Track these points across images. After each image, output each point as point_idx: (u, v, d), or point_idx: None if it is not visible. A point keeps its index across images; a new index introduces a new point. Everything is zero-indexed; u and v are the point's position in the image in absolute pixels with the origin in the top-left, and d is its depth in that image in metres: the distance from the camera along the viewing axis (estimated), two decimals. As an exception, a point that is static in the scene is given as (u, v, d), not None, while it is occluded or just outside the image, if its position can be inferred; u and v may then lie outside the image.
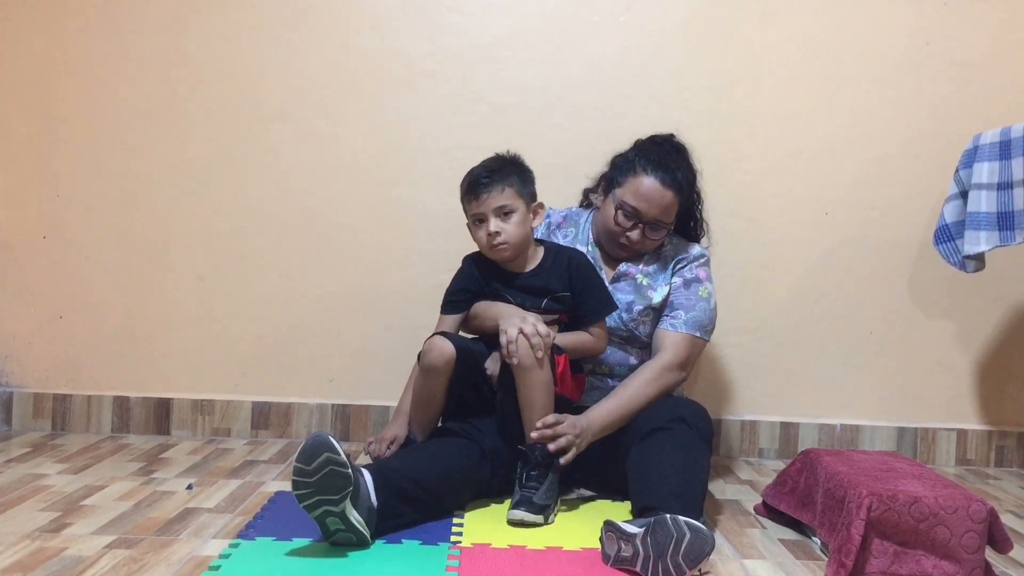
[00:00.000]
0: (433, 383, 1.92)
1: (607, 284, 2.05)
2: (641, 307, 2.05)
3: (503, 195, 1.89)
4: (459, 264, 2.06)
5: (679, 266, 2.09)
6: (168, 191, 2.50)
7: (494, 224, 1.89)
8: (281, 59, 2.48)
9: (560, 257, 1.99)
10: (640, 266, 2.10)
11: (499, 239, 1.90)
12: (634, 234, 2.04)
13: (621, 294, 2.06)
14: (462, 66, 2.48)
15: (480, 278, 2.00)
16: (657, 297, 2.06)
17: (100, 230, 2.50)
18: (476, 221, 1.93)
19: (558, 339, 1.89)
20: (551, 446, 1.78)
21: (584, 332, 1.96)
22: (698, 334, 2.05)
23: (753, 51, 2.49)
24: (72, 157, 2.50)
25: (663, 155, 2.05)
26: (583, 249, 2.10)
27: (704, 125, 2.45)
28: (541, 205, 1.98)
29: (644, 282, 2.08)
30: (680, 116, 2.43)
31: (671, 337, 2.03)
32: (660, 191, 2.00)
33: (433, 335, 1.92)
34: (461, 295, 2.02)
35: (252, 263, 2.51)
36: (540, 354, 1.79)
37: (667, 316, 2.06)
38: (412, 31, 2.48)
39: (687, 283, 2.07)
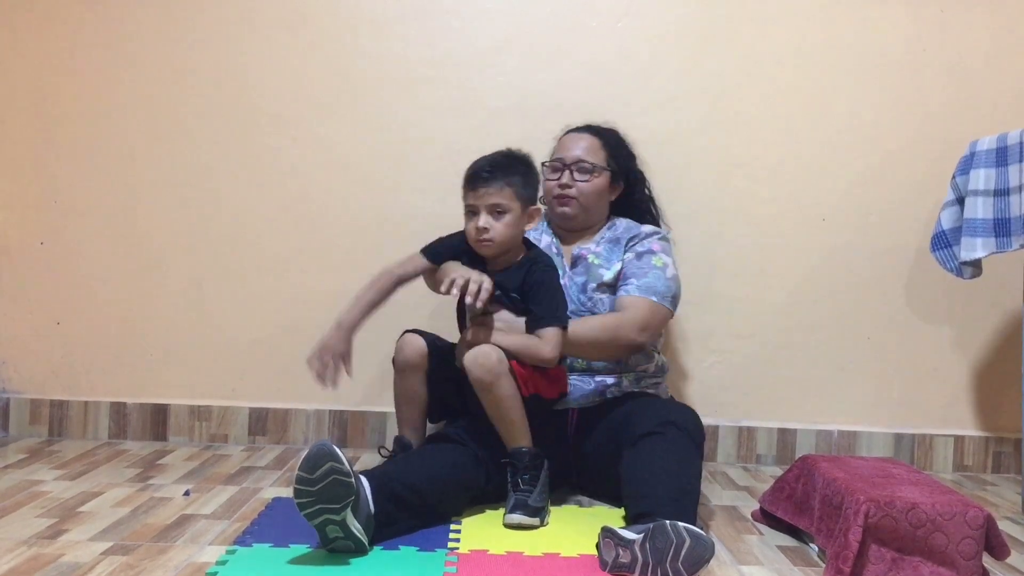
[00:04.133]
0: (412, 379, 1.97)
1: (570, 282, 2.07)
2: (594, 284, 2.08)
3: (501, 193, 1.88)
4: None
5: (632, 243, 2.12)
6: (166, 196, 2.50)
7: (483, 220, 1.88)
8: (279, 64, 2.48)
9: (527, 262, 1.95)
10: (591, 246, 2.13)
11: (485, 235, 1.89)
12: (564, 178, 2.12)
13: (577, 277, 2.09)
14: (460, 70, 2.49)
15: (465, 253, 1.99)
16: (608, 274, 2.08)
17: (97, 235, 2.50)
18: (469, 212, 1.93)
19: (502, 339, 1.86)
20: (468, 299, 1.80)
21: (533, 336, 1.90)
22: (655, 299, 2.02)
23: (750, 56, 2.49)
24: (70, 162, 2.50)
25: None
26: (543, 239, 2.14)
27: (701, 130, 2.46)
28: (538, 210, 1.97)
29: (596, 262, 2.10)
30: (677, 121, 2.45)
31: (626, 300, 2.04)
32: (575, 135, 2.17)
33: (404, 333, 1.99)
34: (444, 250, 2.01)
35: (249, 268, 2.51)
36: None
37: (620, 286, 2.07)
38: (411, 36, 2.48)
39: (639, 255, 2.09)
